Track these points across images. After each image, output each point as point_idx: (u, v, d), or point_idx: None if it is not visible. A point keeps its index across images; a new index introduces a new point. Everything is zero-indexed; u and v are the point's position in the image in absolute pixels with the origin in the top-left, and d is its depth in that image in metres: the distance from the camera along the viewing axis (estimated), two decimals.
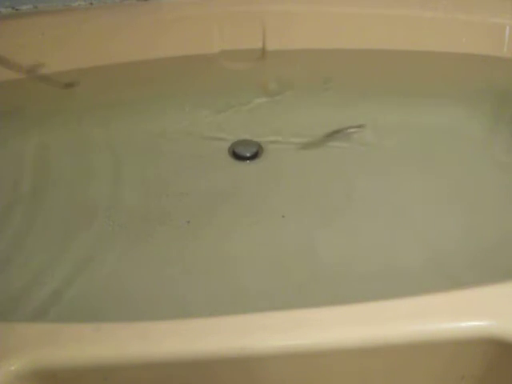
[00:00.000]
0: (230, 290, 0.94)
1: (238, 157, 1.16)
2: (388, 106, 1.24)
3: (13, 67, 1.12)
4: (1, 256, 0.98)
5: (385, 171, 1.13)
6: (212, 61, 1.21)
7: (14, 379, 0.63)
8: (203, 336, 0.65)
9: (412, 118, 1.23)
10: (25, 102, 1.19)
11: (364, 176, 1.12)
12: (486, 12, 1.20)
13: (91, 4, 1.22)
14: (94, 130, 1.20)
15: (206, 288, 0.94)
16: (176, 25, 1.19)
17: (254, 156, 1.17)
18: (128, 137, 1.19)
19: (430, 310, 0.68)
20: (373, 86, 1.25)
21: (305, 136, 1.19)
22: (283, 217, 1.04)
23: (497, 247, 0.98)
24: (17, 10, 1.20)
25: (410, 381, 0.74)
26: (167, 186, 1.11)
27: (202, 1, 1.21)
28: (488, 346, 0.67)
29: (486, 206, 1.06)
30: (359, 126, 1.04)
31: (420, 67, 1.25)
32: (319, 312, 0.68)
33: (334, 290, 0.93)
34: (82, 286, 0.94)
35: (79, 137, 1.19)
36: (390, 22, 1.20)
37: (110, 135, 1.19)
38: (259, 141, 1.19)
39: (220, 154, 1.17)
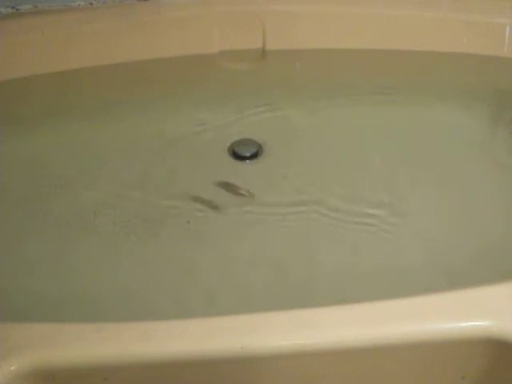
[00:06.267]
0: (230, 289, 0.94)
1: (238, 157, 1.16)
2: (388, 106, 1.24)
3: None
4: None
5: (384, 172, 1.12)
6: (212, 61, 1.21)
7: (14, 379, 0.63)
8: (204, 336, 0.65)
9: (411, 118, 1.23)
10: (21, 103, 1.19)
11: (363, 176, 1.12)
12: (486, 12, 1.20)
13: (91, 4, 1.22)
14: (92, 131, 1.20)
15: (207, 287, 0.94)
16: (176, 25, 1.19)
17: (254, 156, 1.17)
18: (127, 137, 1.19)
19: (430, 310, 0.68)
20: (373, 86, 1.25)
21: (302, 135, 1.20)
22: (284, 217, 1.04)
23: (497, 248, 0.98)
24: (17, 9, 1.20)
25: (410, 381, 0.74)
26: (167, 186, 1.11)
27: (202, 1, 1.21)
28: (488, 345, 0.67)
29: (486, 206, 1.06)
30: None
31: (420, 67, 1.25)
32: (319, 312, 0.68)
33: (334, 290, 0.93)
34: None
35: (78, 137, 1.19)
36: (390, 22, 1.20)
37: (109, 135, 1.19)
38: (259, 141, 1.19)
39: (220, 154, 1.17)
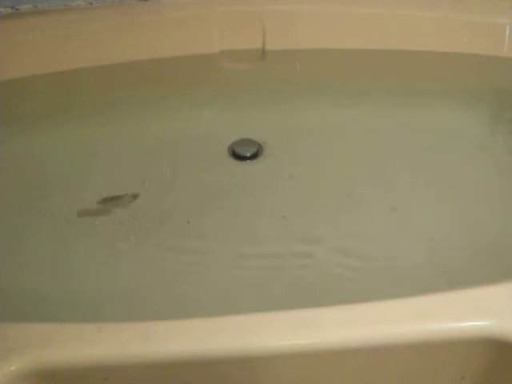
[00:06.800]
0: (231, 289, 0.94)
1: (237, 157, 1.16)
2: (388, 106, 1.24)
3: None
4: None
5: (384, 172, 1.13)
6: (212, 61, 1.21)
7: (14, 379, 0.63)
8: (204, 336, 0.65)
9: (411, 118, 1.23)
10: (21, 103, 1.19)
11: (363, 177, 1.12)
12: (486, 12, 1.20)
13: (91, 4, 1.22)
14: (92, 131, 1.20)
15: (206, 287, 0.94)
16: (176, 25, 1.19)
17: (254, 156, 1.17)
18: (127, 137, 1.19)
19: (430, 309, 0.68)
20: (373, 86, 1.25)
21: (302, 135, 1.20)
22: (283, 217, 1.04)
23: (497, 248, 0.98)
24: (17, 9, 1.20)
25: (410, 381, 0.74)
26: (167, 186, 1.11)
27: (202, 1, 1.21)
28: (488, 345, 0.67)
29: (486, 206, 1.06)
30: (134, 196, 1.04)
31: (420, 67, 1.25)
32: (319, 312, 0.68)
33: (334, 290, 0.93)
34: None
35: (78, 137, 1.19)
36: (390, 22, 1.20)
37: (109, 135, 1.19)
38: (259, 141, 1.19)
39: (220, 154, 1.17)
